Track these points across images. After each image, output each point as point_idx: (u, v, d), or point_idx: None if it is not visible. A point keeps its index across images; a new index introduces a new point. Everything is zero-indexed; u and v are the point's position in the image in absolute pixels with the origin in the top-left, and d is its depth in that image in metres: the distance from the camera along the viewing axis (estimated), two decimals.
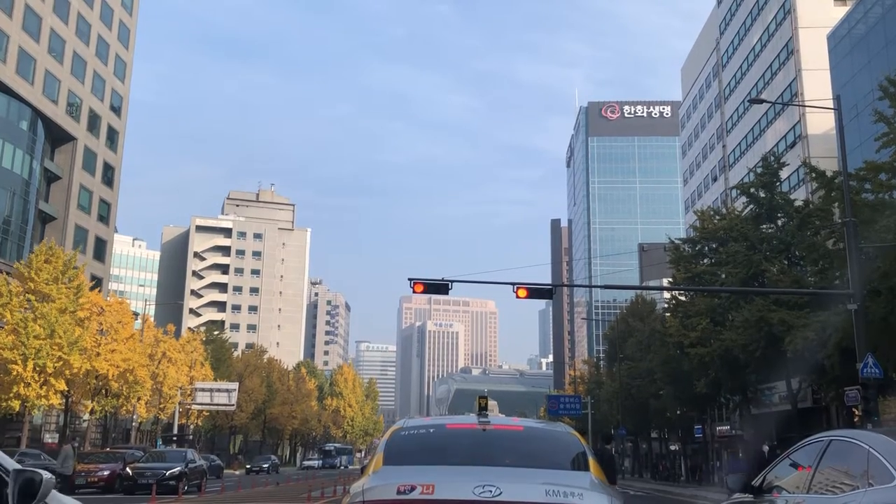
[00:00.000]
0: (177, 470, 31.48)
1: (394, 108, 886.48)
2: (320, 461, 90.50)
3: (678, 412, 55.07)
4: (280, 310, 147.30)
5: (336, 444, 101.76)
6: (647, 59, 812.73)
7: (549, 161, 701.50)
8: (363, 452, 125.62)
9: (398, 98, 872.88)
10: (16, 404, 40.49)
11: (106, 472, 32.78)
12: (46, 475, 4.20)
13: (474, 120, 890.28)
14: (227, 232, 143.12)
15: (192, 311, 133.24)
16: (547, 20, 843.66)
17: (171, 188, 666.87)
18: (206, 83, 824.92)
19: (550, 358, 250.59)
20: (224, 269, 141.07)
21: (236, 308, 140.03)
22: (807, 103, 49.13)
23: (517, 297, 24.71)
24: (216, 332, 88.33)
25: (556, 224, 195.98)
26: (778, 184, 38.70)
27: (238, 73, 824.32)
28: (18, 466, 4.12)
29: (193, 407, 65.23)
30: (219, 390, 65.97)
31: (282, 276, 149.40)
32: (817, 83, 50.74)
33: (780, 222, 37.63)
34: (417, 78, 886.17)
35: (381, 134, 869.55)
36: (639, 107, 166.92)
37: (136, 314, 61.49)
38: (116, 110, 75.32)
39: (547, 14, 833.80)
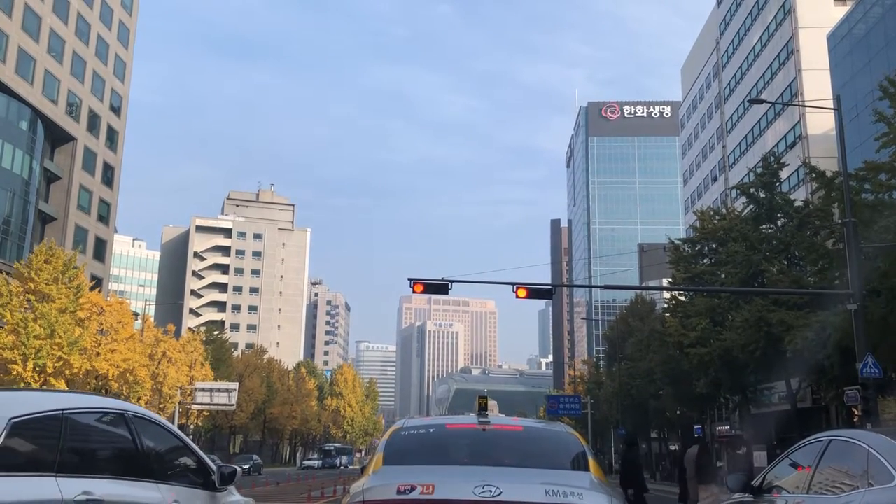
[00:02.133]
0: None
1: (396, 108, 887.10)
2: (320, 461, 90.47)
3: (678, 412, 55.07)
4: (280, 310, 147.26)
5: (336, 444, 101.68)
6: (650, 59, 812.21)
7: (550, 161, 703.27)
8: (363, 452, 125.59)
9: (400, 98, 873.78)
10: None
11: None
12: (238, 469, 6.54)
13: (476, 120, 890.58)
14: (227, 232, 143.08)
15: (192, 311, 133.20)
16: (549, 20, 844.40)
17: (173, 188, 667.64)
18: (208, 83, 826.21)
19: (550, 358, 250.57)
20: (224, 269, 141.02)
21: (236, 308, 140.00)
22: (807, 103, 49.14)
23: (517, 297, 24.69)
24: (216, 332, 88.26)
25: (555, 224, 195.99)
26: (778, 184, 38.69)
27: (240, 73, 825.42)
28: (216, 464, 6.41)
29: (193, 407, 65.18)
30: (219, 390, 65.88)
31: (282, 276, 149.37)
32: (817, 83, 50.75)
33: (779, 222, 37.63)
34: (420, 78, 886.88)
35: (383, 134, 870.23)
36: (639, 107, 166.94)
37: (136, 314, 61.46)
38: (116, 110, 75.31)
39: (549, 14, 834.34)
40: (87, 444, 5.05)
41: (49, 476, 4.45)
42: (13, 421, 4.38)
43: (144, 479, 5.25)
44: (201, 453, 6.24)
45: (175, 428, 6.19)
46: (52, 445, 4.62)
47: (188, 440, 6.25)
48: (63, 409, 4.79)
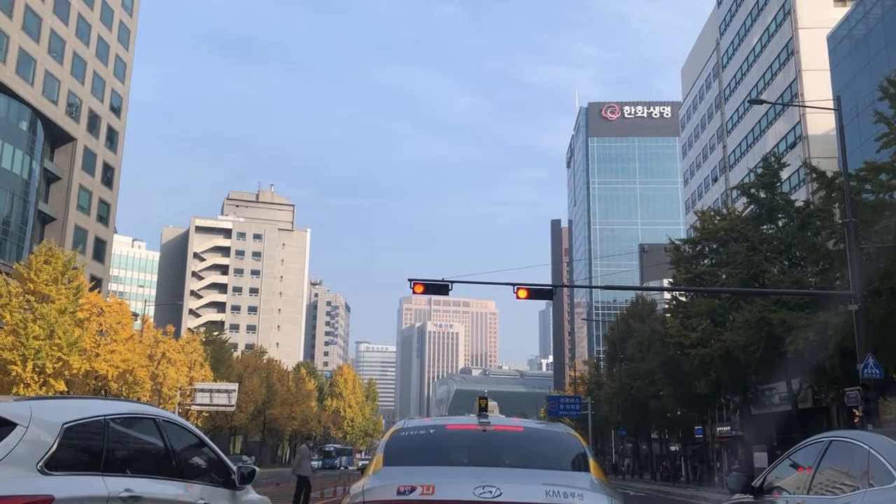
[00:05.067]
0: None
1: (400, 109, 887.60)
2: (320, 462, 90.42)
3: (678, 413, 55.11)
4: (280, 310, 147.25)
5: (336, 445, 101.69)
6: (655, 59, 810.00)
7: (553, 162, 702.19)
8: (363, 453, 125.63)
9: (405, 98, 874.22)
10: None
11: None
12: (256, 469, 7.04)
13: (480, 121, 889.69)
14: (226, 232, 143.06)
15: (191, 311, 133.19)
16: (555, 21, 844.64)
17: (176, 189, 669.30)
18: (212, 83, 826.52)
19: (550, 359, 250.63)
20: (224, 269, 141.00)
21: (236, 309, 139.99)
22: (807, 104, 49.13)
23: (517, 297, 24.68)
24: (216, 333, 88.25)
25: (556, 224, 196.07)
26: (778, 184, 38.72)
27: (244, 74, 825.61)
28: (236, 465, 6.82)
29: (193, 408, 65.14)
30: (218, 391, 65.81)
31: (281, 277, 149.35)
32: (817, 84, 50.74)
33: (780, 223, 37.66)
34: (424, 78, 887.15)
35: (387, 134, 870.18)
36: (639, 107, 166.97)
37: (135, 315, 61.41)
38: (116, 111, 75.30)
39: (555, 15, 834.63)
40: (125, 447, 5.58)
41: (97, 475, 4.89)
42: (66, 426, 4.79)
43: (174, 478, 5.75)
44: (222, 454, 6.73)
45: (199, 431, 6.62)
46: (97, 448, 5.08)
47: (210, 442, 6.68)
48: (105, 415, 5.24)
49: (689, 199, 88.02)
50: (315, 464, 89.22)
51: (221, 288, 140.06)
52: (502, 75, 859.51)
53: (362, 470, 5.62)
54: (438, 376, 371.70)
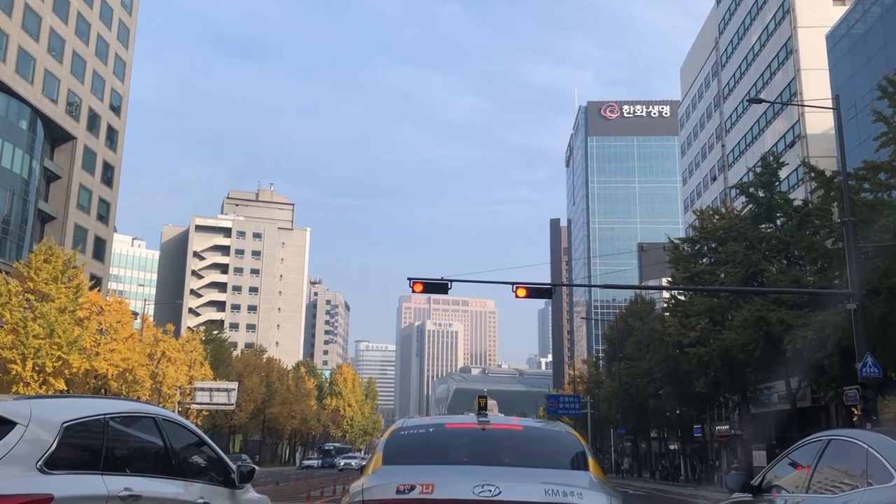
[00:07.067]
0: None
1: (402, 109, 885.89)
2: (319, 461, 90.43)
3: (677, 412, 55.13)
4: (279, 309, 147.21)
5: (335, 444, 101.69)
6: (658, 60, 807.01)
7: (554, 161, 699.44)
8: (362, 452, 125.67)
9: (407, 99, 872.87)
10: None
11: None
12: (256, 468, 7.11)
13: (482, 121, 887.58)
14: (226, 231, 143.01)
15: (191, 310, 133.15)
16: (557, 21, 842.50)
17: (177, 188, 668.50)
18: (215, 83, 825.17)
19: (550, 357, 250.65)
20: (223, 268, 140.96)
21: (236, 307, 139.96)
22: (806, 103, 49.14)
23: (516, 296, 24.69)
24: (215, 332, 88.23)
25: (555, 224, 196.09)
26: (777, 183, 38.75)
27: (246, 74, 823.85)
28: (235, 464, 6.90)
29: (193, 406, 65.10)
30: (218, 390, 65.78)
31: (281, 276, 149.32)
32: (816, 83, 50.76)
33: (779, 222, 37.69)
34: (426, 78, 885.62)
35: (388, 134, 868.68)
36: (638, 106, 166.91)
37: (135, 314, 61.41)
38: (116, 110, 75.26)
39: (557, 15, 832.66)
40: (125, 446, 5.59)
41: (96, 474, 4.88)
42: (65, 425, 4.80)
43: (174, 477, 5.77)
44: (221, 453, 6.76)
45: (199, 430, 6.69)
46: (97, 447, 5.07)
47: (210, 441, 6.71)
48: (104, 414, 5.24)
49: (687, 198, 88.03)
50: (314, 462, 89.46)
51: (221, 287, 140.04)
52: (504, 75, 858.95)
53: (362, 469, 5.64)
54: (438, 375, 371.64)
